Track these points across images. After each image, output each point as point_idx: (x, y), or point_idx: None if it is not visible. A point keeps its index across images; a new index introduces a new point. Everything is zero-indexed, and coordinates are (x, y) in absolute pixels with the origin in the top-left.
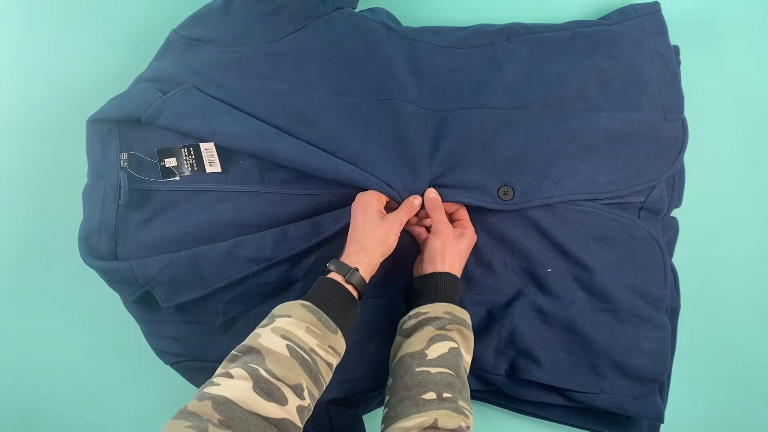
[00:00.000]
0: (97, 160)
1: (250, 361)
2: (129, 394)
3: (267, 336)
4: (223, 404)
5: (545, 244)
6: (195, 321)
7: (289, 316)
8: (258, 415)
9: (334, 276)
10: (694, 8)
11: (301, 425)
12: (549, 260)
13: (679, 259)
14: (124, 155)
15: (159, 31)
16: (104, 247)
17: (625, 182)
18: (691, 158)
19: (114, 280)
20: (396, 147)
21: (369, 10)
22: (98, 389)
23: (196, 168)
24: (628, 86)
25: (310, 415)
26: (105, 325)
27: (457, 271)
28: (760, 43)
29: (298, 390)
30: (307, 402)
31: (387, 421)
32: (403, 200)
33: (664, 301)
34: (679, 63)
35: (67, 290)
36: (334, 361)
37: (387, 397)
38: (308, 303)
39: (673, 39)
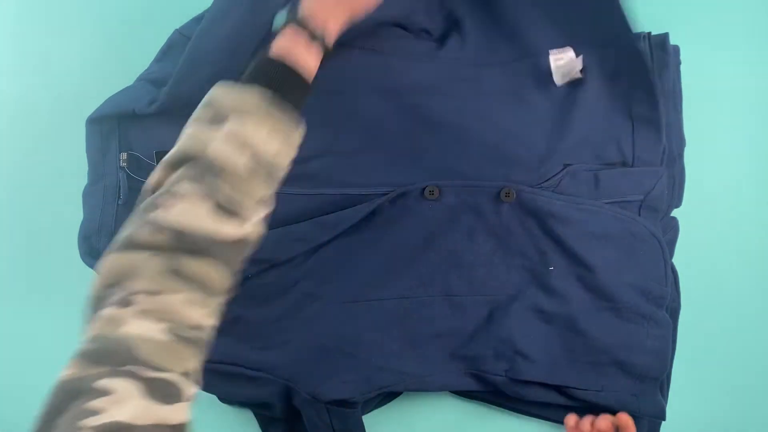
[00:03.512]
0: (96, 160)
1: (201, 175)
2: None
3: (220, 146)
4: (181, 234)
5: (547, 242)
6: None
7: (247, 116)
8: (219, 240)
9: (302, 50)
10: (695, 7)
11: (262, 231)
12: (551, 259)
13: (679, 259)
14: (124, 155)
15: (160, 31)
16: (104, 247)
17: None
18: (691, 158)
19: None
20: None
21: None
22: None
23: None
24: None
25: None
26: None
27: None
28: (762, 42)
29: (262, 200)
30: (270, 205)
31: None
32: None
33: (665, 298)
34: (679, 63)
35: (67, 290)
36: (294, 153)
37: None
38: (269, 95)
39: (674, 38)
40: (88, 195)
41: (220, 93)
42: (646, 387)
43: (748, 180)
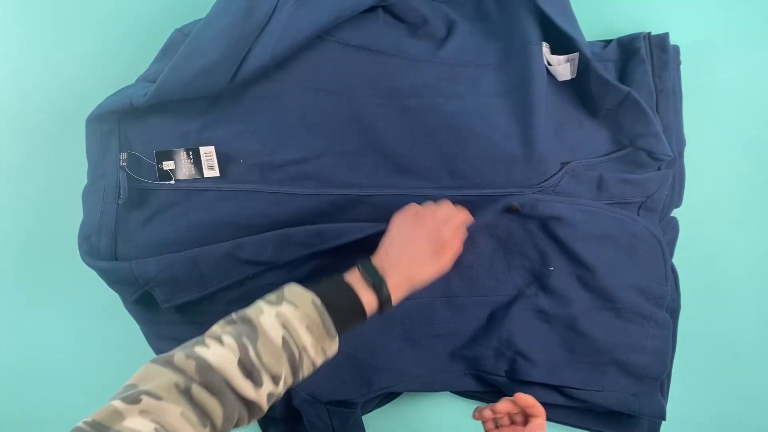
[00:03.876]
0: (96, 160)
1: (243, 334)
2: None
3: (269, 318)
4: (206, 368)
5: (548, 243)
6: (195, 322)
7: (297, 308)
8: (232, 388)
9: (363, 293)
10: (694, 7)
11: (266, 409)
12: (552, 259)
13: (679, 259)
14: (124, 155)
15: (160, 31)
16: (104, 247)
17: None
18: (691, 158)
19: (114, 280)
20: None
21: None
22: (99, 390)
23: (194, 172)
24: None
25: (277, 400)
26: (105, 326)
27: None
28: (762, 42)
29: (276, 379)
30: (280, 390)
31: None
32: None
33: (665, 298)
34: (679, 63)
35: (67, 290)
36: (320, 362)
37: None
38: (319, 303)
39: (673, 39)
40: (88, 195)
41: (289, 288)
42: (646, 387)
43: (748, 180)
